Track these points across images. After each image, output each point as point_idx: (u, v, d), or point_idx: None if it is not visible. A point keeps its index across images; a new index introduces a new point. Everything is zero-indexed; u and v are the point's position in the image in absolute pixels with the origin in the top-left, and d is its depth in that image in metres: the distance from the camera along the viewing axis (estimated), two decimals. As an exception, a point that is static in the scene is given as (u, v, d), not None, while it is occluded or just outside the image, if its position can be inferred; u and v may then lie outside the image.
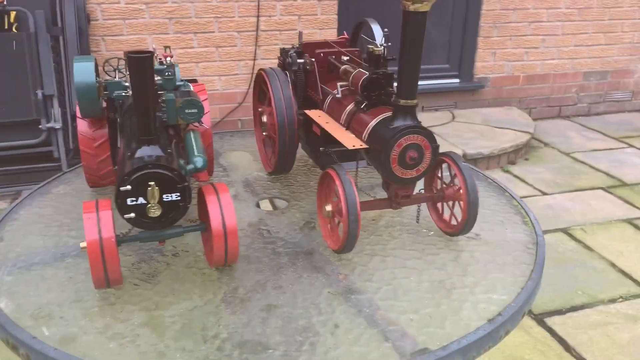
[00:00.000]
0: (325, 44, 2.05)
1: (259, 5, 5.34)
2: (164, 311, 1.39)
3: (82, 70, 1.70)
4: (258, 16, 5.37)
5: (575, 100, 6.36)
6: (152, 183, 1.28)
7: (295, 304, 1.42)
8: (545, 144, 5.60)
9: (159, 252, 1.63)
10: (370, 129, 1.61)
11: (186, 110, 1.53)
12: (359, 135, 1.66)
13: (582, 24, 6.04)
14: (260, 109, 2.11)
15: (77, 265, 1.57)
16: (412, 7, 1.43)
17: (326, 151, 1.93)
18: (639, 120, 6.23)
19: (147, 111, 1.31)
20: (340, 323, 1.36)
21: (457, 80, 6.00)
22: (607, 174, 5.01)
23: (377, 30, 2.01)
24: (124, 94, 1.74)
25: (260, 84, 2.13)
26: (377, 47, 1.68)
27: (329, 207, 1.60)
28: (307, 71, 1.98)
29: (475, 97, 6.08)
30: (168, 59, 1.76)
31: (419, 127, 1.53)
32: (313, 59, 1.95)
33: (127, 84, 1.78)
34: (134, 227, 1.39)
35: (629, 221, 4.24)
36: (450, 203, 1.71)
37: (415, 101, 1.53)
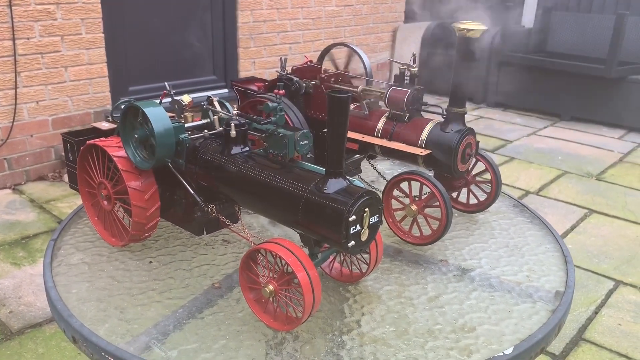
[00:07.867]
0: (313, 68, 2.20)
1: (13, 27, 4.70)
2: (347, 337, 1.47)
3: (157, 115, 1.55)
4: (14, 39, 4.73)
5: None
6: (367, 209, 1.36)
7: (445, 290, 1.65)
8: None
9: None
10: (426, 136, 1.89)
11: (301, 143, 1.58)
12: (411, 143, 1.92)
13: (317, 32, 6.94)
14: None
15: (221, 316, 1.49)
16: (468, 34, 1.77)
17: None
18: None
19: (342, 147, 1.37)
20: (494, 294, 1.64)
21: (225, 90, 6.27)
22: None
23: (361, 52, 2.25)
24: (189, 136, 1.65)
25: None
26: (413, 67, 1.95)
27: (414, 207, 1.84)
28: (308, 94, 2.11)
29: (242, 105, 6.44)
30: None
31: (470, 128, 1.89)
32: (316, 81, 2.09)
33: (189, 124, 1.69)
34: (349, 253, 1.44)
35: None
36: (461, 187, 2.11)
37: (465, 109, 1.88)
